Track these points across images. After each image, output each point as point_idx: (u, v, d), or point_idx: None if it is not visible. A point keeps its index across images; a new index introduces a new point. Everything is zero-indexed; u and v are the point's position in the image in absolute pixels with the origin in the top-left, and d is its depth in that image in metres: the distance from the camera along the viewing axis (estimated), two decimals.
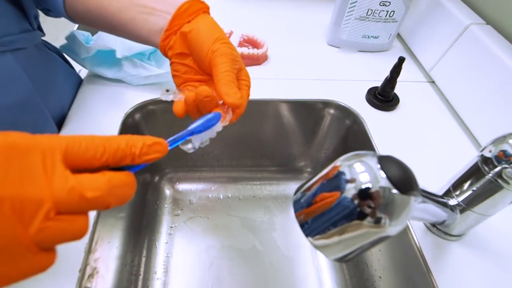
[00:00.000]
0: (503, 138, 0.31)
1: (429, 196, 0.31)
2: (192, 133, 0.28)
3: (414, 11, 0.66)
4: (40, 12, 0.45)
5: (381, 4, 0.61)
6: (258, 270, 0.56)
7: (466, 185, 0.35)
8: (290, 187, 0.68)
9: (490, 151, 0.32)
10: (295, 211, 0.24)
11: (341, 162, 0.22)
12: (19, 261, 0.18)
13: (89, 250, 0.38)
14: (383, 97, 0.56)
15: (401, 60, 0.52)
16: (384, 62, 0.64)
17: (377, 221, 0.20)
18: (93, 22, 0.41)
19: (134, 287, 0.51)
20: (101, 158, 0.20)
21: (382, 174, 0.20)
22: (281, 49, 0.66)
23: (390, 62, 0.54)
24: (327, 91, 0.58)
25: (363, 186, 0.20)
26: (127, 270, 0.50)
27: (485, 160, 0.32)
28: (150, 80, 0.55)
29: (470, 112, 0.52)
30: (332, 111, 0.58)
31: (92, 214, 0.41)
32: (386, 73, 0.54)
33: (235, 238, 0.60)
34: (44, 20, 0.46)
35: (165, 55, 0.37)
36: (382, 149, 0.50)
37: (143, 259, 0.55)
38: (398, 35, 0.73)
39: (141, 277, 0.53)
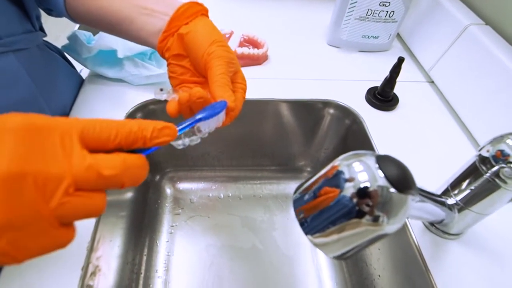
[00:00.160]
0: (500, 138, 0.32)
1: (427, 195, 0.31)
2: (200, 119, 0.29)
3: (413, 12, 0.67)
4: (42, 13, 0.45)
5: (381, 4, 0.61)
6: (258, 268, 0.57)
7: (464, 185, 0.35)
8: (290, 187, 0.68)
9: (487, 151, 0.32)
10: (295, 209, 0.24)
11: (340, 162, 0.22)
12: (41, 234, 0.19)
13: (91, 249, 0.38)
14: (383, 97, 0.56)
15: (400, 60, 0.52)
16: (384, 62, 0.64)
17: (375, 219, 0.21)
18: (94, 22, 0.41)
19: (135, 285, 0.52)
20: (115, 140, 0.21)
21: (380, 173, 0.21)
22: (281, 49, 0.66)
23: (390, 62, 0.54)
24: (327, 91, 0.58)
25: (362, 185, 0.21)
26: (128, 268, 0.50)
27: (483, 159, 0.33)
28: (151, 80, 0.56)
29: (469, 112, 0.52)
30: (332, 111, 0.59)
31: None
32: (386, 73, 0.55)
33: (235, 237, 0.60)
34: (45, 20, 0.46)
35: (163, 56, 0.38)
36: (382, 149, 0.50)
37: (144, 258, 0.56)
38: (398, 35, 0.73)
39: (142, 275, 0.54)
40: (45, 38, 0.48)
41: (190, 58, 0.35)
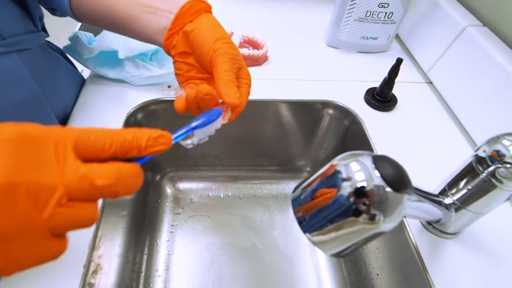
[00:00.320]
0: (496, 139, 0.32)
1: (424, 195, 0.31)
2: (195, 127, 0.29)
3: (412, 13, 0.67)
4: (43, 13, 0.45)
5: (379, 5, 0.62)
6: (258, 268, 0.57)
7: (461, 184, 0.36)
8: (289, 186, 0.69)
9: (484, 151, 0.33)
10: (294, 208, 0.25)
11: (337, 161, 0.23)
12: (33, 245, 0.19)
13: (93, 247, 0.39)
14: (381, 97, 0.57)
15: (399, 61, 0.52)
16: (383, 63, 0.65)
17: (372, 218, 0.21)
18: (98, 21, 0.42)
19: (136, 284, 0.52)
20: (110, 150, 0.21)
21: (377, 173, 0.21)
22: (281, 50, 0.67)
23: (389, 63, 0.54)
24: (326, 92, 0.59)
25: (359, 185, 0.21)
26: (129, 267, 0.51)
27: (479, 160, 0.33)
28: (151, 80, 0.56)
29: (467, 113, 0.53)
30: (331, 111, 0.59)
31: None
32: (385, 74, 0.55)
33: (235, 237, 0.61)
34: (46, 20, 0.47)
35: (169, 53, 0.38)
36: (380, 149, 0.51)
37: (145, 257, 0.56)
38: (397, 37, 0.74)
39: (143, 274, 0.54)
40: (46, 38, 0.48)
41: (196, 55, 0.36)
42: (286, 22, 0.77)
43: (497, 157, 0.32)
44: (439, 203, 0.35)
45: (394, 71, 0.54)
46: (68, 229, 0.20)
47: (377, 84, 0.57)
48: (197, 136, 0.30)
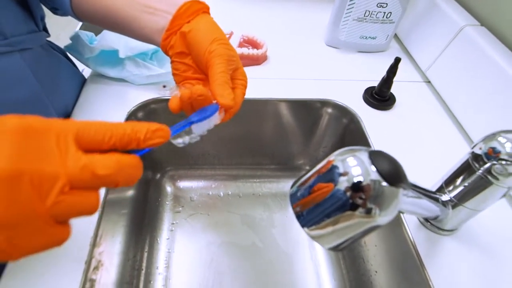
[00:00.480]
0: (492, 136, 0.33)
1: (422, 191, 0.32)
2: (193, 122, 0.30)
3: (410, 13, 0.68)
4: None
5: (378, 5, 0.62)
6: (257, 265, 0.58)
7: (457, 182, 0.36)
8: (289, 185, 0.69)
9: (480, 148, 0.33)
10: (292, 203, 0.25)
11: (334, 157, 0.23)
12: (37, 232, 0.20)
13: (94, 244, 0.39)
14: (380, 96, 0.57)
15: (397, 60, 0.53)
16: (382, 62, 0.65)
17: (368, 212, 0.22)
18: (98, 21, 0.42)
19: (136, 281, 0.53)
20: (109, 142, 0.22)
21: (373, 168, 0.22)
22: (280, 49, 0.67)
23: (387, 62, 0.55)
24: (326, 91, 0.59)
25: (355, 179, 0.22)
26: (129, 264, 0.51)
27: (475, 157, 0.34)
28: (152, 79, 0.56)
29: (465, 112, 0.53)
30: (330, 110, 0.60)
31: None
32: (383, 73, 0.56)
33: (235, 235, 0.61)
34: (47, 20, 0.47)
35: (166, 53, 0.39)
36: (379, 147, 0.51)
37: (145, 254, 0.57)
38: (395, 36, 0.74)
39: (143, 271, 0.55)
40: (47, 38, 0.49)
41: (192, 56, 0.36)
42: (285, 22, 0.77)
43: (493, 154, 0.32)
44: (436, 200, 0.35)
45: (392, 70, 0.54)
46: (70, 216, 0.21)
47: (375, 83, 0.58)
48: (195, 131, 0.31)
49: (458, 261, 0.39)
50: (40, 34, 0.45)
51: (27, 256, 0.20)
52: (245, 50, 0.62)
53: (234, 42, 0.66)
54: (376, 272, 0.49)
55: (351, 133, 0.58)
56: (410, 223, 0.42)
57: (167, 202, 0.64)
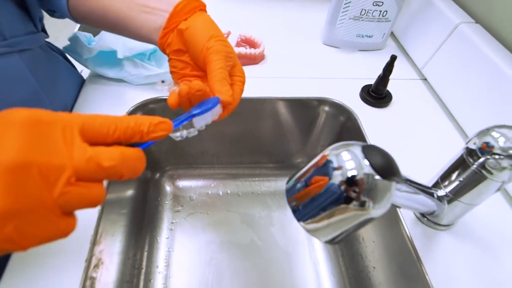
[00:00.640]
0: (486, 131, 0.33)
1: (418, 187, 0.32)
2: (194, 114, 0.30)
3: (406, 11, 0.68)
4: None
5: (374, 4, 0.63)
6: (257, 263, 0.58)
7: (453, 177, 0.36)
8: None
9: (474, 143, 0.34)
10: (288, 198, 0.25)
11: (329, 151, 0.24)
12: (44, 222, 0.20)
13: (94, 242, 0.40)
14: (376, 94, 0.58)
15: (393, 58, 0.53)
16: (378, 61, 0.66)
17: (362, 205, 0.22)
18: (96, 22, 0.43)
19: (137, 280, 0.53)
20: (114, 135, 0.22)
21: (366, 162, 0.22)
22: (277, 49, 0.68)
23: (384, 60, 0.55)
24: (323, 89, 0.60)
25: (349, 174, 0.22)
26: (130, 263, 0.52)
27: (469, 152, 0.34)
28: (150, 79, 0.57)
29: (461, 108, 0.54)
30: (327, 108, 0.60)
31: (95, 210, 0.43)
32: (380, 71, 0.56)
33: (234, 233, 0.62)
34: (45, 22, 0.48)
35: (164, 52, 0.39)
36: (375, 144, 0.52)
37: (145, 254, 0.57)
38: (392, 34, 0.75)
39: (143, 270, 0.55)
40: (46, 39, 0.49)
41: (190, 53, 0.37)
42: (283, 21, 0.78)
43: (487, 149, 0.32)
44: (432, 195, 0.35)
45: (388, 68, 0.54)
46: (77, 207, 0.21)
47: (372, 81, 0.58)
48: (196, 124, 0.31)
49: (454, 255, 0.40)
50: (39, 35, 0.45)
51: (34, 246, 0.21)
52: (243, 50, 0.62)
53: (231, 41, 0.66)
54: (374, 268, 0.50)
55: (348, 131, 0.59)
56: (407, 219, 0.43)
57: (166, 202, 0.65)
